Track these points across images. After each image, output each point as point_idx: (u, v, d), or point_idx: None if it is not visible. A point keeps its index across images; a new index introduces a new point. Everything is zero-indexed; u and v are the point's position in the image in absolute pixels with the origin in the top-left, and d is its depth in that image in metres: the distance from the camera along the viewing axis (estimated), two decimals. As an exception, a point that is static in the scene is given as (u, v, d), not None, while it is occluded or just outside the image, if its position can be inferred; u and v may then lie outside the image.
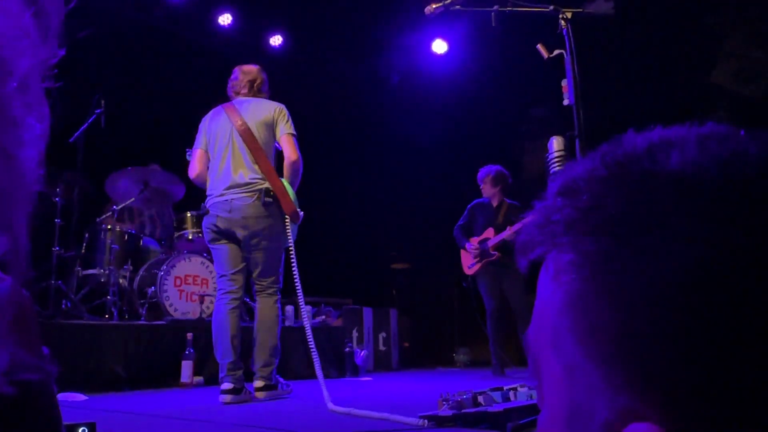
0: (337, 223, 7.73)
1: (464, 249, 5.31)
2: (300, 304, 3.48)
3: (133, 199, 5.20)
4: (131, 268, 4.97)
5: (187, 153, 3.80)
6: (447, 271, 7.17)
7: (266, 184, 3.39)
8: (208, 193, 3.54)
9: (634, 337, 0.28)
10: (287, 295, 6.11)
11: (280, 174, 3.52)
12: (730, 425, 0.26)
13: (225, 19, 6.89)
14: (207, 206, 3.49)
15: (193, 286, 4.89)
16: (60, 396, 2.84)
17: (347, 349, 5.38)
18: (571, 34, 2.66)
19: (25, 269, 0.37)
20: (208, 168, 3.59)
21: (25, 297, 0.42)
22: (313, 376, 5.00)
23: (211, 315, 4.90)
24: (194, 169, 3.63)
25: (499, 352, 5.11)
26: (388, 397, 3.70)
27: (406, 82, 7.55)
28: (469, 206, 5.43)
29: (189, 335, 4.23)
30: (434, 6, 2.92)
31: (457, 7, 2.87)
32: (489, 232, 5.21)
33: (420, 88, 7.46)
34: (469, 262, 5.29)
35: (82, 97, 4.83)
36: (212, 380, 4.34)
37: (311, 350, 3.27)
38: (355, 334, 6.05)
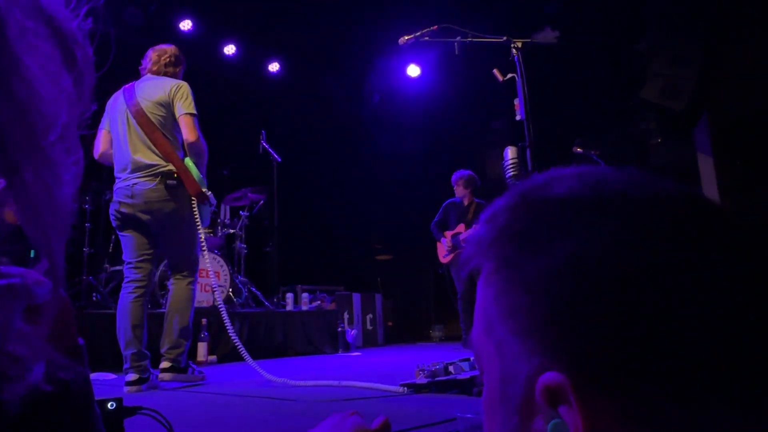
0: (331, 223, 7.73)
1: (440, 242, 5.33)
2: (214, 287, 3.16)
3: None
4: (152, 264, 4.92)
5: None
6: (423, 261, 7.20)
7: (169, 167, 2.80)
8: (115, 177, 2.93)
9: (537, 313, 0.32)
10: (286, 283, 6.12)
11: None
12: (610, 369, 0.30)
13: (229, 49, 6.86)
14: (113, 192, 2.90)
15: (206, 278, 4.84)
16: (92, 375, 2.81)
17: (340, 328, 5.38)
18: (521, 60, 2.70)
19: (61, 286, 0.38)
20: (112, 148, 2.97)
21: (63, 297, 0.42)
22: (313, 352, 5.04)
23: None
24: (96, 150, 2.99)
25: (468, 328, 5.15)
26: (374, 368, 3.71)
27: (386, 101, 7.56)
28: (443, 205, 5.44)
29: (204, 321, 4.20)
30: (407, 37, 2.94)
31: (426, 38, 2.89)
32: (461, 227, 5.23)
33: (398, 105, 7.48)
34: (443, 253, 5.31)
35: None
36: (224, 358, 4.32)
37: (230, 335, 2.92)
38: (346, 315, 6.05)
